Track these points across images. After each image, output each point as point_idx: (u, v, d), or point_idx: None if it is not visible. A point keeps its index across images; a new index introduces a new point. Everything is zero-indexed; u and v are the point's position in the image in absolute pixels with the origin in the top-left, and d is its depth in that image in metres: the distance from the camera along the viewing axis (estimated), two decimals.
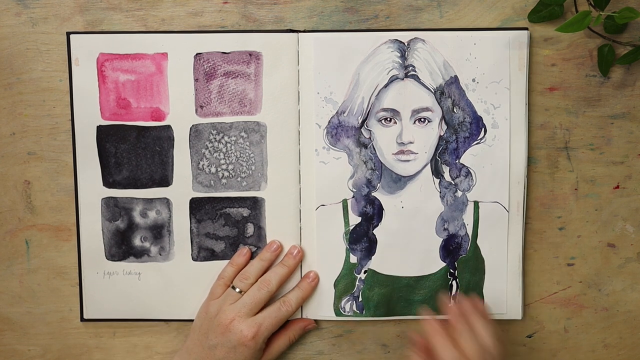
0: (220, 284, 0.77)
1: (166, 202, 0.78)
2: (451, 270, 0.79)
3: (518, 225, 0.79)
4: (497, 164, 0.78)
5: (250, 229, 0.79)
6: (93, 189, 0.78)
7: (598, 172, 0.80)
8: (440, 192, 0.78)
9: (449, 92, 0.77)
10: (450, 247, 0.79)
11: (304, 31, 0.76)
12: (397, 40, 0.76)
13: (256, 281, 0.76)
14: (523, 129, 0.78)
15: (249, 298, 0.74)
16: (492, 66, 0.76)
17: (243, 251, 0.78)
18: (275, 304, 0.76)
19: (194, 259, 0.79)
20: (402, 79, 0.76)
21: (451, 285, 0.79)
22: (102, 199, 0.78)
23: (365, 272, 0.79)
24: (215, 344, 0.73)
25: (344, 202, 0.78)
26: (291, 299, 0.76)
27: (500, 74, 0.77)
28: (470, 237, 0.79)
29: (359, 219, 0.78)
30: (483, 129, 0.77)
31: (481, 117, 0.77)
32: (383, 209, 0.78)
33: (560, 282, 0.81)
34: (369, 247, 0.79)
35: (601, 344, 0.82)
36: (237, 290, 0.75)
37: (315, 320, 0.80)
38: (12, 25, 0.77)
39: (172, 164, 0.78)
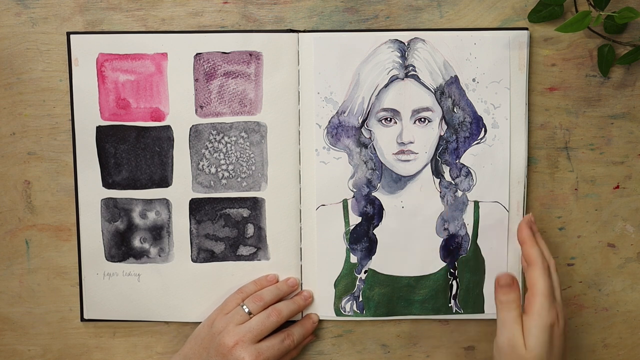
0: (237, 297, 0.76)
1: (166, 202, 0.78)
2: (451, 270, 0.79)
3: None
4: (497, 164, 0.78)
5: (250, 229, 0.78)
6: (93, 190, 0.78)
7: (598, 172, 0.80)
8: (440, 192, 0.78)
9: (449, 92, 0.77)
10: (451, 247, 0.79)
11: (304, 31, 0.76)
12: (397, 40, 0.76)
13: (266, 307, 0.75)
14: (523, 129, 0.78)
15: (256, 324, 0.73)
16: (492, 66, 0.76)
17: (270, 276, 0.78)
18: (280, 335, 0.75)
19: (193, 261, 0.79)
20: (402, 79, 0.76)
21: (451, 285, 0.79)
22: (102, 199, 0.78)
23: (365, 272, 0.79)
24: None
25: (344, 202, 0.78)
26: (294, 334, 0.76)
27: (500, 74, 0.77)
28: (470, 237, 0.79)
29: (359, 219, 0.78)
30: (483, 129, 0.77)
31: (481, 117, 0.77)
32: (383, 209, 0.78)
33: (560, 282, 0.81)
34: (369, 247, 0.79)
35: (601, 344, 0.82)
36: (247, 310, 0.74)
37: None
38: (12, 25, 0.77)
39: (172, 165, 0.78)
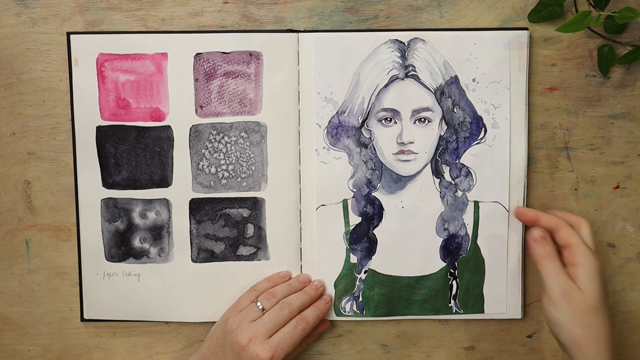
0: (250, 295, 0.76)
1: (166, 202, 0.78)
2: (451, 270, 0.79)
3: (518, 225, 0.79)
4: (497, 164, 0.78)
5: (250, 229, 0.78)
6: (93, 190, 0.78)
7: (598, 172, 0.80)
8: (440, 192, 0.78)
9: (449, 92, 0.77)
10: (451, 247, 0.79)
11: (304, 31, 0.76)
12: (397, 40, 0.76)
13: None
14: (523, 129, 0.78)
15: (269, 318, 0.73)
16: (492, 66, 0.76)
17: (282, 272, 0.78)
18: (292, 322, 0.74)
19: (193, 261, 0.79)
20: (402, 79, 0.76)
21: (451, 285, 0.79)
22: (102, 199, 0.78)
23: (365, 272, 0.79)
24: None
25: (344, 202, 0.78)
26: (308, 317, 0.75)
27: (500, 74, 0.77)
28: (470, 237, 0.79)
29: (359, 219, 0.78)
30: (483, 129, 0.77)
31: (481, 117, 0.77)
32: (383, 209, 0.78)
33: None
34: (369, 247, 0.79)
35: None
36: (261, 307, 0.74)
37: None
38: (12, 25, 0.77)
39: (172, 165, 0.78)
